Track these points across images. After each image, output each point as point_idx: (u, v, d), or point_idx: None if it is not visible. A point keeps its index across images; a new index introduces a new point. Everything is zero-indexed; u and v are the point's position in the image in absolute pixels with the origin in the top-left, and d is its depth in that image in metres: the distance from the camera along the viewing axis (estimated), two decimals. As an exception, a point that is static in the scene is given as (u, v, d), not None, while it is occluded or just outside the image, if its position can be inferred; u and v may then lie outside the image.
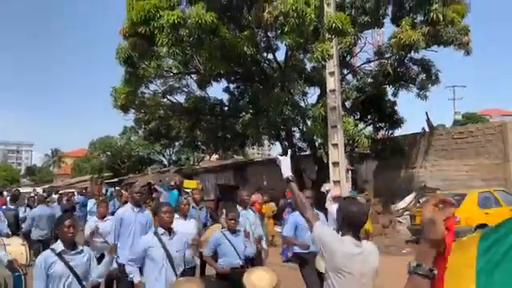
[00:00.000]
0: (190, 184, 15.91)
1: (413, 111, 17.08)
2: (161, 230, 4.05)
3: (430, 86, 15.18)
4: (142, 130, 20.98)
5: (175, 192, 14.27)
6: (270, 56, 15.18)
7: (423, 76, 15.08)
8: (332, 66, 11.64)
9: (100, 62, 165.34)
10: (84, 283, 3.41)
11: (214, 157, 34.73)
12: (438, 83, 15.27)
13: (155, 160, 40.54)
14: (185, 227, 5.13)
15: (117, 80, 15.28)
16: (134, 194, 5.56)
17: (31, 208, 10.44)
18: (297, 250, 5.53)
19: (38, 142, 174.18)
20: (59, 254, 3.34)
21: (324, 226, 2.58)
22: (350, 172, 14.56)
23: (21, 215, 10.09)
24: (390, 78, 14.99)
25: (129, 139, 40.25)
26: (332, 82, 11.76)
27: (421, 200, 13.50)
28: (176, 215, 4.67)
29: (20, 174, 76.60)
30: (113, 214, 6.42)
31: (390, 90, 16.07)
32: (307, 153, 17.28)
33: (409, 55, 14.31)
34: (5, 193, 15.98)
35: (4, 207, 10.95)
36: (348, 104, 15.28)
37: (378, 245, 6.14)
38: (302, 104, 16.18)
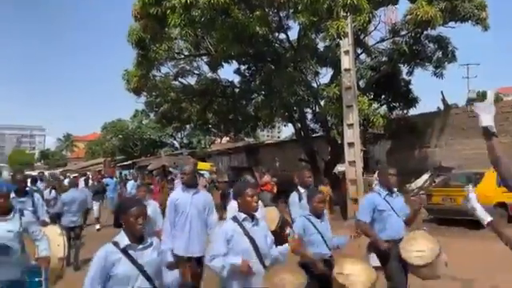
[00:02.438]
0: (204, 166, 16.05)
1: (426, 90, 16.75)
2: (241, 216, 3.32)
3: (446, 63, 14.84)
4: (154, 113, 20.99)
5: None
6: (282, 36, 14.94)
7: (439, 54, 14.71)
8: (347, 44, 11.44)
9: (112, 45, 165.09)
10: (156, 285, 2.73)
11: (225, 139, 34.84)
12: (454, 61, 14.92)
13: (167, 143, 40.82)
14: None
15: (129, 63, 15.23)
16: (185, 175, 4.79)
17: (56, 190, 10.45)
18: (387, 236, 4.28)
19: (51, 127, 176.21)
20: (124, 250, 2.63)
21: None
22: (362, 153, 14.43)
23: (47, 197, 9.81)
24: (405, 57, 14.66)
25: (140, 122, 40.52)
26: (347, 61, 11.58)
27: (436, 179, 13.32)
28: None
29: (35, 158, 77.88)
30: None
31: (404, 68, 15.73)
32: (319, 134, 17.17)
33: (425, 32, 13.96)
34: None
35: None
36: (362, 83, 15.03)
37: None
38: (314, 84, 16.00)
